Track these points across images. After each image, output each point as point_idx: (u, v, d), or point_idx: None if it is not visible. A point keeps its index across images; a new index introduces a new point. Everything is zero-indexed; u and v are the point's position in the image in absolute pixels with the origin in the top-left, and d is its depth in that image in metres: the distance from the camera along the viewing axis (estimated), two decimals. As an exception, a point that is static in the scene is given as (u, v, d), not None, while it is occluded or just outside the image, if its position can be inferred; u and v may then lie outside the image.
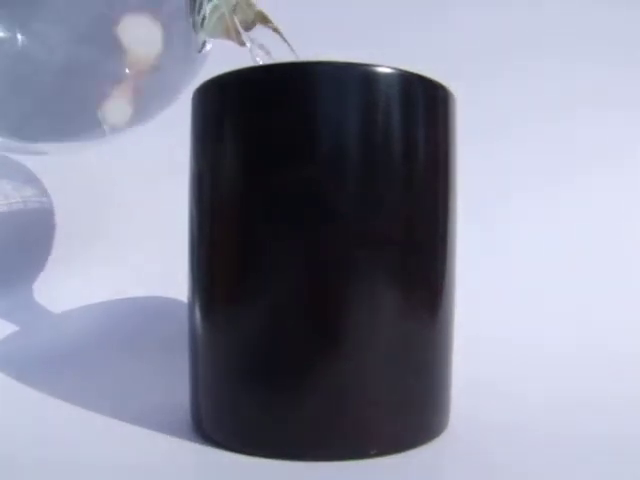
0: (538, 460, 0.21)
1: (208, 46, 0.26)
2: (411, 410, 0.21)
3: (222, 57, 0.26)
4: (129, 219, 0.41)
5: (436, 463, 0.21)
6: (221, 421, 0.22)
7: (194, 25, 0.24)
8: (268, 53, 0.24)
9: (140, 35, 0.24)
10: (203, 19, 0.24)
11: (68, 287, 0.39)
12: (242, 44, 0.24)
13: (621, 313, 0.38)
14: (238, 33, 0.24)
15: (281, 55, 0.24)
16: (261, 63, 0.24)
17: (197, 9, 0.24)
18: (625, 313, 0.38)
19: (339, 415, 0.20)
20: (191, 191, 0.23)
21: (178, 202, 0.25)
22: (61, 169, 0.39)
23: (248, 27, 0.24)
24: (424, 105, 0.22)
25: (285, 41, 0.24)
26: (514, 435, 0.23)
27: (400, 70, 0.21)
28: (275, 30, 0.24)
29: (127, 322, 0.38)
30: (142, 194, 0.40)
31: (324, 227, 0.20)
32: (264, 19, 0.24)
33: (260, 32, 0.24)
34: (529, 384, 0.29)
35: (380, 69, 0.20)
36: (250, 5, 0.24)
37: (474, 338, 0.30)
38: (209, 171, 0.22)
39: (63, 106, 0.23)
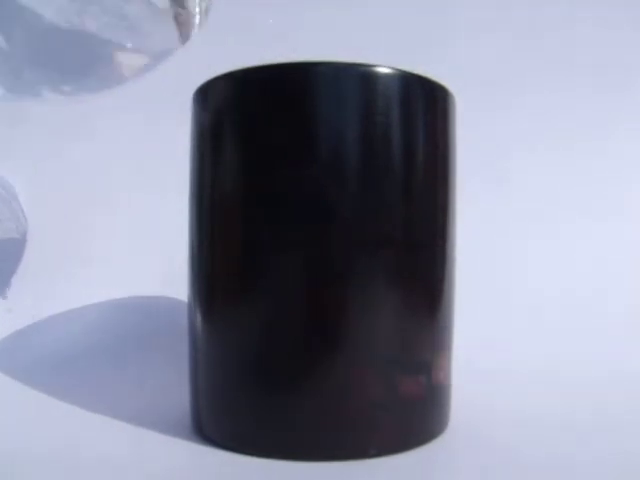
0: (538, 460, 0.21)
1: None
2: (411, 410, 0.21)
3: (222, 57, 0.26)
4: (129, 219, 0.41)
5: (436, 463, 0.21)
6: (220, 421, 0.22)
7: (178, 15, 0.25)
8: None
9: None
10: (196, 12, 0.25)
11: (68, 287, 0.39)
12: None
13: (621, 313, 0.38)
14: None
15: (282, 55, 0.24)
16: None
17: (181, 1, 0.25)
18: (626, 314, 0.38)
19: (339, 415, 0.20)
20: (191, 191, 0.23)
21: (178, 202, 0.25)
22: (62, 169, 0.39)
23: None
24: (423, 105, 0.22)
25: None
26: (514, 435, 0.23)
27: (399, 70, 0.21)
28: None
29: (127, 322, 0.38)
30: (142, 194, 0.40)
31: (324, 227, 0.20)
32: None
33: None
34: (529, 383, 0.29)
35: (379, 69, 0.20)
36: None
37: (474, 338, 0.30)
38: (209, 171, 0.22)
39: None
